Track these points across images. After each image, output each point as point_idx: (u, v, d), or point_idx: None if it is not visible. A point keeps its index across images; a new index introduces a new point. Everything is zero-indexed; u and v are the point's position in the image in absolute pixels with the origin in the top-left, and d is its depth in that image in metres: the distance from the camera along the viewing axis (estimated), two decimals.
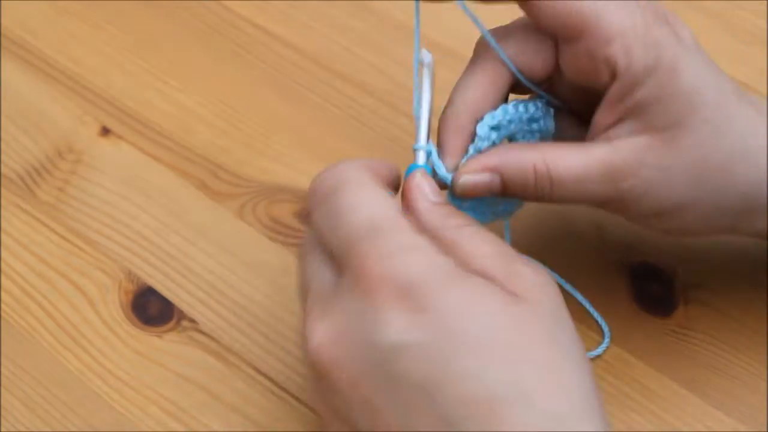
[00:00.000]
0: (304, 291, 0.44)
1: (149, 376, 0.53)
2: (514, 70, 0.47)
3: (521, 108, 0.48)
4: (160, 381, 0.53)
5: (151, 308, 0.56)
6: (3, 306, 0.56)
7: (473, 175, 0.46)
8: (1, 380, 0.53)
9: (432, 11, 0.65)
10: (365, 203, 0.42)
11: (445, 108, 0.47)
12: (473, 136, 0.47)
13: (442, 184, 0.46)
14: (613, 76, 0.45)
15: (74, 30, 0.67)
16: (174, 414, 0.52)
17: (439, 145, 0.47)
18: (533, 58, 0.47)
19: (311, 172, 0.60)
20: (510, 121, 0.48)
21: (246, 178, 0.60)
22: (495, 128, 0.47)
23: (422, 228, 0.42)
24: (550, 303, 0.41)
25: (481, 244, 0.42)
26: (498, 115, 0.47)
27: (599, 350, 0.52)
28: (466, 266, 0.41)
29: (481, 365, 0.38)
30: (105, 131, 0.62)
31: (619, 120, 0.46)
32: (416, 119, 0.47)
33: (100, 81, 0.65)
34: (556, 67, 0.48)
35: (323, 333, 0.41)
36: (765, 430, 0.50)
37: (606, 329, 0.53)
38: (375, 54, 0.65)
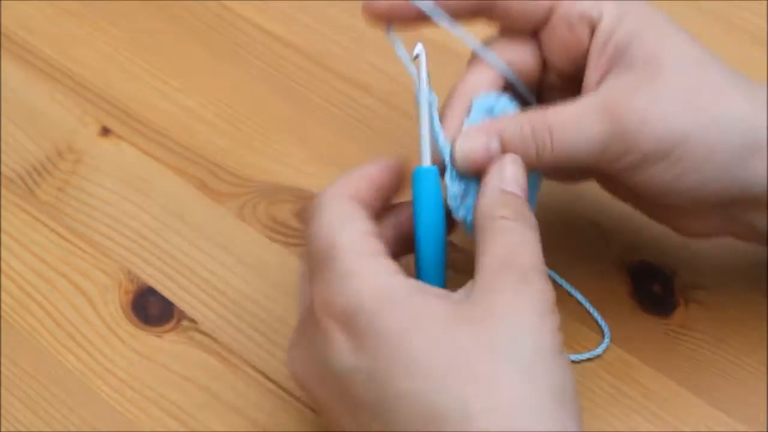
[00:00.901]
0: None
1: (149, 376, 0.53)
2: (508, 74, 0.48)
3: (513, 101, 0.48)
4: (160, 381, 0.53)
5: (151, 308, 0.56)
6: (3, 306, 0.56)
7: (472, 139, 0.46)
8: (1, 380, 0.53)
9: None
10: (323, 229, 0.43)
11: (448, 96, 0.48)
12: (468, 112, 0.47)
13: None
14: (592, 29, 0.47)
15: (74, 30, 0.67)
16: (174, 414, 0.52)
17: (442, 122, 0.47)
18: (521, 58, 0.48)
19: (311, 172, 0.60)
20: (503, 109, 0.47)
21: (246, 178, 0.60)
22: (488, 111, 0.47)
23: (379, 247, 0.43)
24: (514, 324, 0.40)
25: (499, 243, 0.42)
26: (492, 98, 0.47)
27: (599, 350, 0.52)
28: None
29: (422, 386, 0.39)
30: (105, 131, 0.62)
31: (605, 72, 0.47)
32: (420, 118, 0.47)
33: (100, 81, 0.65)
34: (544, 67, 0.49)
35: (296, 359, 0.45)
36: (765, 430, 0.50)
37: (606, 329, 0.53)
38: (375, 54, 0.65)
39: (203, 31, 0.67)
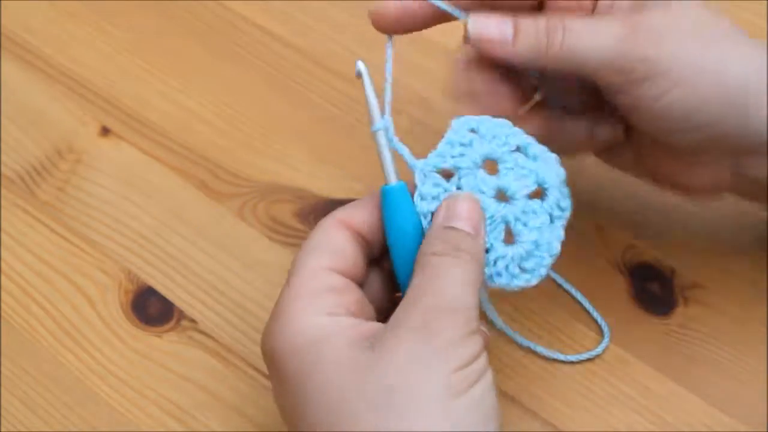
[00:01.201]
0: None
1: (149, 376, 0.53)
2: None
3: (512, 128, 0.47)
4: (160, 381, 0.53)
5: (151, 308, 0.56)
6: (3, 306, 0.56)
7: (485, 20, 0.46)
8: (1, 380, 0.53)
9: None
10: (300, 251, 0.45)
11: None
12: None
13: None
14: None
15: (74, 30, 0.67)
16: (174, 414, 0.52)
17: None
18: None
19: (311, 172, 0.60)
20: (494, 136, 0.46)
21: (246, 178, 0.60)
22: (473, 130, 0.46)
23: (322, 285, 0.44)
24: (401, 374, 0.40)
25: (415, 281, 0.43)
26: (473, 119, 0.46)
27: (599, 349, 0.52)
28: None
29: (321, 420, 0.41)
30: (105, 131, 0.62)
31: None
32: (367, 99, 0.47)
33: (100, 81, 0.65)
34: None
35: None
36: (765, 430, 0.50)
37: (605, 328, 0.53)
38: (375, 54, 0.65)
39: (203, 31, 0.67)
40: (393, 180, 0.46)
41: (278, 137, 0.62)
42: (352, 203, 0.47)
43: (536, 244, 0.45)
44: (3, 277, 0.57)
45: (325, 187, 0.59)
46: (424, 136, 0.60)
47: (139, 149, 0.62)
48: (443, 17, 0.48)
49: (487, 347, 0.44)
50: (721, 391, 0.51)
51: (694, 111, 0.45)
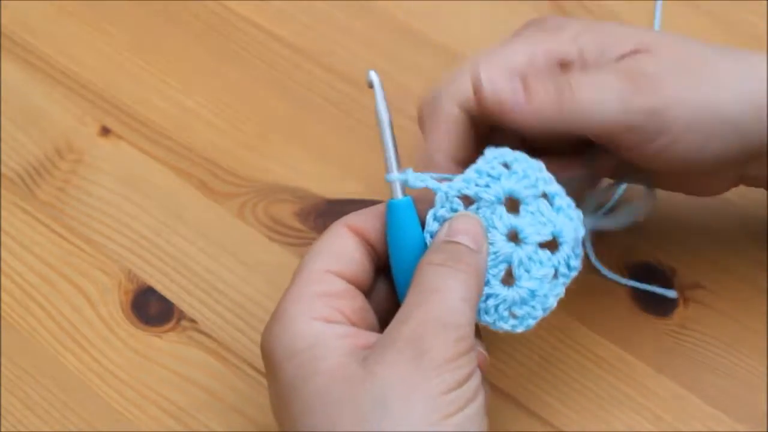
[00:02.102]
0: None
1: (149, 376, 0.53)
2: None
3: (545, 172, 0.46)
4: (160, 381, 0.53)
5: (151, 308, 0.56)
6: (3, 306, 0.56)
7: (498, 75, 0.45)
8: (1, 380, 0.53)
9: (431, 11, 0.65)
10: (307, 254, 0.45)
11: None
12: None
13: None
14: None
15: (74, 30, 0.67)
16: (174, 414, 0.52)
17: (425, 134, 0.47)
18: None
19: (311, 172, 0.60)
20: (525, 176, 0.45)
21: (246, 178, 0.60)
22: (506, 164, 0.45)
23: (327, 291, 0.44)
24: (387, 390, 0.40)
25: (412, 290, 0.42)
26: (507, 154, 0.45)
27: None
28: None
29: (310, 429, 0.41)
30: (105, 131, 0.62)
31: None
32: (384, 144, 0.46)
33: (100, 81, 0.65)
34: None
35: None
36: (765, 430, 0.50)
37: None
38: (375, 54, 0.65)
39: (203, 31, 0.67)
40: (399, 195, 0.45)
41: (278, 137, 0.62)
42: (364, 210, 0.46)
43: (533, 294, 0.45)
44: (3, 277, 0.57)
45: (325, 187, 0.59)
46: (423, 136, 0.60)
47: (139, 149, 0.62)
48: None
49: (485, 368, 0.43)
50: (721, 391, 0.51)
51: (702, 148, 0.46)
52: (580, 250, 0.46)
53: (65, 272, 0.57)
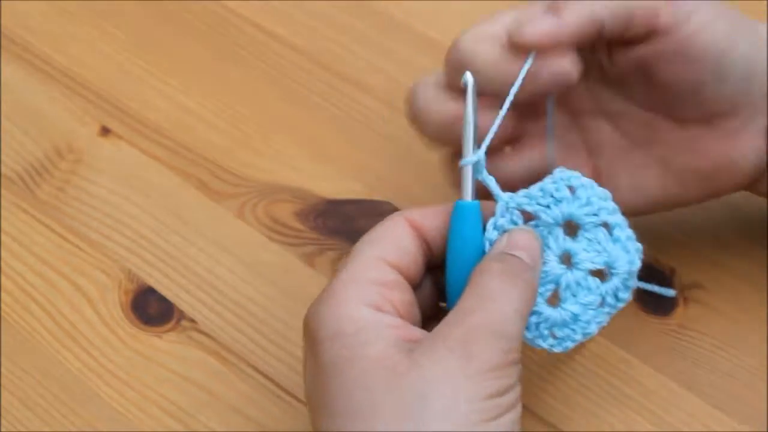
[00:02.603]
0: None
1: (149, 376, 0.53)
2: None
3: (610, 202, 0.46)
4: (160, 381, 0.53)
5: (151, 308, 0.56)
6: (3, 306, 0.56)
7: (529, 14, 0.45)
8: (1, 380, 0.53)
9: (431, 10, 0.65)
10: (365, 236, 0.45)
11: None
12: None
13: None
14: None
15: (74, 30, 0.67)
16: (174, 414, 0.52)
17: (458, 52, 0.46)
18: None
19: (311, 172, 0.60)
20: (588, 203, 0.45)
21: (246, 178, 0.60)
22: (571, 187, 0.45)
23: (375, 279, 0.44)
24: (432, 387, 0.40)
25: (466, 296, 0.42)
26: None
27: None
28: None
29: (331, 424, 0.41)
30: (105, 131, 0.62)
31: None
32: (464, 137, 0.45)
33: (100, 81, 0.65)
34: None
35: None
36: (765, 430, 0.50)
37: None
38: (375, 54, 0.65)
39: (203, 31, 0.67)
40: (469, 197, 0.45)
41: (278, 137, 0.62)
42: (424, 207, 0.46)
43: (575, 318, 0.45)
44: (3, 277, 0.57)
45: (325, 187, 0.59)
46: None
47: (139, 149, 0.62)
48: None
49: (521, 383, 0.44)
50: (721, 391, 0.51)
51: (725, 52, 0.45)
52: (632, 283, 0.46)
53: (65, 272, 0.57)
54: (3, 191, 0.60)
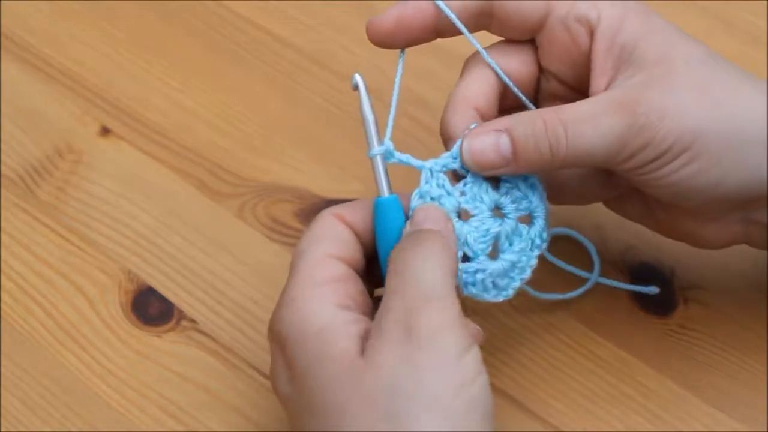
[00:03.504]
0: None
1: (149, 376, 0.53)
2: (502, 76, 0.48)
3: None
4: (160, 381, 0.53)
5: (151, 308, 0.56)
6: (3, 306, 0.56)
7: (479, 139, 0.46)
8: (1, 380, 0.53)
9: None
10: (301, 243, 0.46)
11: (447, 101, 0.48)
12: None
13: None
14: (591, 32, 0.46)
15: (74, 30, 0.67)
16: (174, 414, 0.52)
17: (443, 126, 0.48)
18: (518, 65, 0.48)
19: (311, 172, 0.60)
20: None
21: (246, 178, 0.60)
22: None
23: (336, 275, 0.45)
24: (386, 376, 0.41)
25: (390, 276, 0.43)
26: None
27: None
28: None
29: (315, 424, 0.42)
30: (105, 131, 0.62)
31: (613, 74, 0.46)
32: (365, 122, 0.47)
33: (100, 81, 0.65)
34: (542, 73, 0.49)
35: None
36: (765, 430, 0.50)
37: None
38: (375, 54, 0.65)
39: (203, 31, 0.67)
40: (386, 193, 0.46)
41: (278, 137, 0.62)
42: (348, 203, 0.47)
43: (513, 265, 0.47)
44: (3, 277, 0.57)
45: (325, 187, 0.59)
46: (424, 136, 0.60)
47: (139, 149, 0.62)
48: (437, 32, 0.48)
49: (481, 342, 0.44)
50: (721, 391, 0.51)
51: (711, 182, 0.45)
52: (546, 223, 0.48)
53: (65, 272, 0.57)
54: (3, 191, 0.60)
